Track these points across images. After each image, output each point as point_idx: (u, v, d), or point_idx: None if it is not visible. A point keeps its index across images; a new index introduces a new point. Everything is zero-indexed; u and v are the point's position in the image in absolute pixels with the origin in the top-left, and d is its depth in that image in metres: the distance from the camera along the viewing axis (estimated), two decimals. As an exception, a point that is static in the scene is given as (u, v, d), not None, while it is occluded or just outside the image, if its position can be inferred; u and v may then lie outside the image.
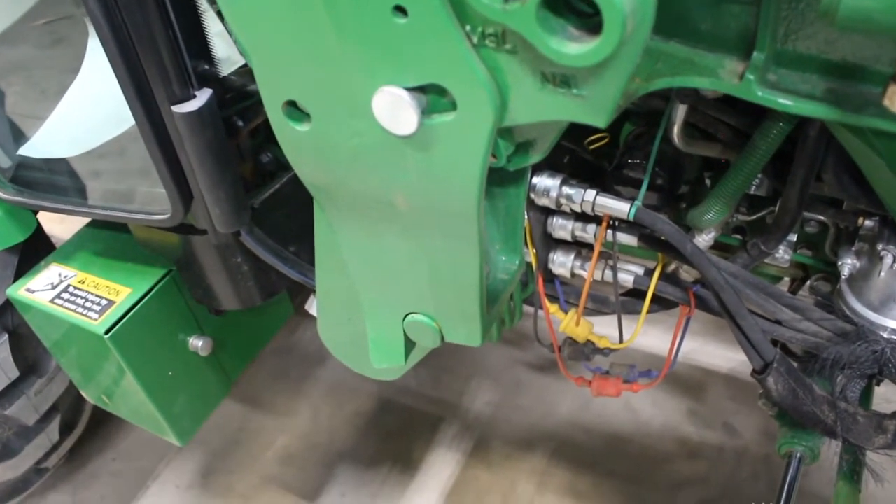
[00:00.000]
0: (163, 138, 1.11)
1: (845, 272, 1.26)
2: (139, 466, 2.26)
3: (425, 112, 0.77)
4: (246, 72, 1.33)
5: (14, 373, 1.67)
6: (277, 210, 1.37)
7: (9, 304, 1.61)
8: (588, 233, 1.35)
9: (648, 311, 1.45)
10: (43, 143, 1.37)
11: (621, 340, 1.48)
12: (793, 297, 1.29)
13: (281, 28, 0.78)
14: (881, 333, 1.24)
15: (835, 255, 1.44)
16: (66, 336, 1.48)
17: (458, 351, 1.97)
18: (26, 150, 1.38)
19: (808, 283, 1.55)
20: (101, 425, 2.31)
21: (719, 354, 2.24)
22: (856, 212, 1.26)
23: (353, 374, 2.41)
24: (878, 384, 1.27)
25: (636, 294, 1.45)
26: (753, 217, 1.40)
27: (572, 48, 0.64)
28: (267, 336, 1.77)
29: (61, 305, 1.44)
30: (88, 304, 1.42)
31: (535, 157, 0.90)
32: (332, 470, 2.18)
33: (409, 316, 1.09)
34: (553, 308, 1.50)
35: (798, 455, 1.49)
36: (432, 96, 0.77)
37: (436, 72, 0.74)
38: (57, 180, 1.38)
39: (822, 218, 1.35)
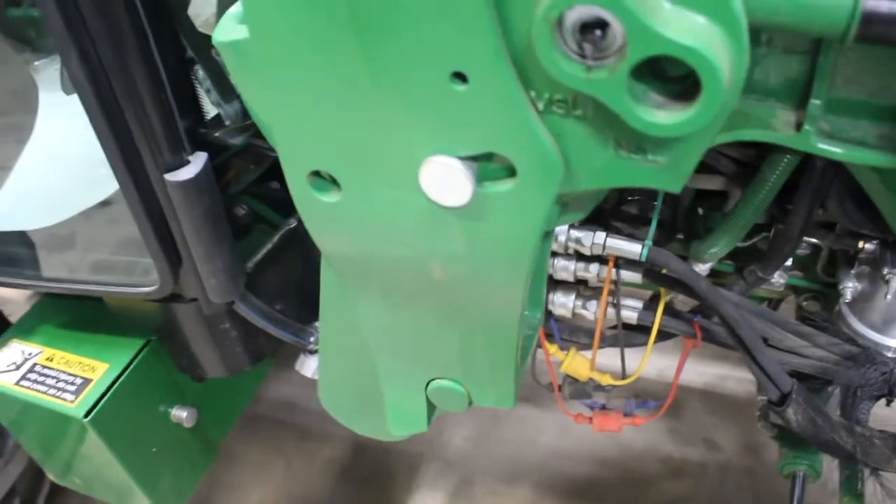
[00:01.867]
0: (152, 208, 1.02)
1: (848, 295, 1.27)
2: (102, 538, 2.11)
3: (477, 181, 0.72)
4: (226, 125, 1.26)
5: (-31, 459, 1.53)
6: (264, 270, 1.29)
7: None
8: (591, 272, 1.32)
9: (642, 344, 1.44)
10: (2, 214, 1.25)
11: (624, 377, 1.45)
12: (797, 323, 1.29)
13: (316, 96, 0.71)
14: (886, 353, 1.25)
15: (827, 276, 1.46)
16: (36, 421, 1.35)
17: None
18: (-14, 223, 1.26)
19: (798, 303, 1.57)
20: (55, 496, 2.14)
21: (693, 370, 2.25)
22: (854, 235, 1.27)
23: (324, 419, 2.32)
24: (888, 404, 1.28)
25: (633, 326, 1.43)
26: (748, 243, 1.40)
27: (662, 117, 0.60)
28: (248, 395, 1.67)
29: (29, 388, 1.31)
30: (61, 385, 1.30)
31: (579, 216, 0.86)
32: (311, 523, 2.09)
33: (434, 382, 1.03)
34: (553, 349, 1.46)
35: (801, 475, 1.50)
36: (483, 163, 0.73)
37: (496, 141, 0.69)
38: (18, 253, 1.26)
39: (817, 241, 1.36)
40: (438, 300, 0.89)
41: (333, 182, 0.80)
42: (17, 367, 1.35)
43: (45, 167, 1.30)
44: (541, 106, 0.66)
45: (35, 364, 1.35)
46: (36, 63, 1.53)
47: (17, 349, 1.38)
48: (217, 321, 1.28)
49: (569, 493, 2.05)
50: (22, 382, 1.32)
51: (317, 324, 1.37)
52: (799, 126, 0.77)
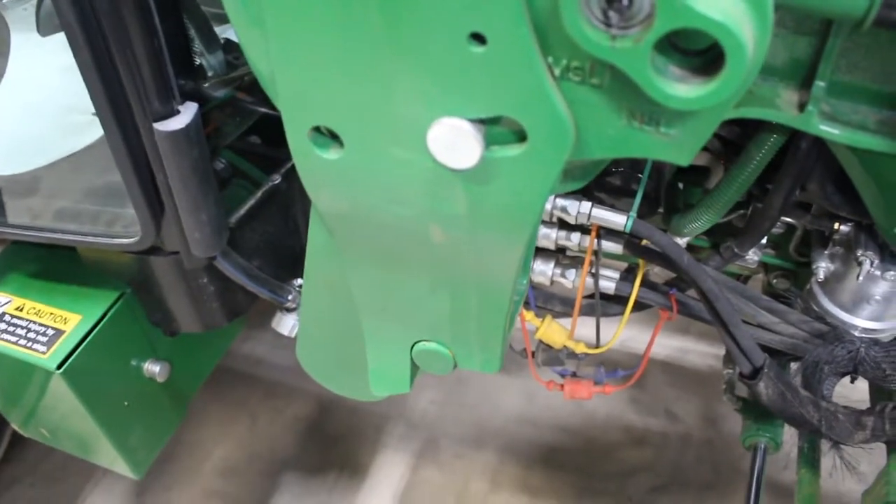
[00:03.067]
0: (138, 157, 0.99)
1: (821, 275, 1.31)
2: (63, 490, 2.09)
3: (486, 144, 0.72)
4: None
5: (-71, 411, 1.49)
6: (244, 226, 1.27)
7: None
8: (572, 241, 1.33)
9: (615, 314, 1.47)
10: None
11: (598, 345, 1.47)
12: (770, 300, 1.33)
13: (326, 50, 0.70)
14: (853, 332, 1.29)
15: (799, 255, 1.49)
16: (5, 371, 1.31)
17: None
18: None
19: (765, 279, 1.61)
20: (13, 447, 2.11)
21: (656, 342, 2.28)
22: (831, 217, 1.30)
23: (290, 378, 2.33)
24: (852, 381, 1.33)
25: (608, 296, 1.45)
26: (724, 220, 1.43)
27: (682, 90, 0.60)
28: (220, 351, 1.65)
29: (-2, 337, 1.28)
30: (32, 335, 1.26)
31: (578, 185, 0.86)
32: (276, 480, 2.09)
33: (420, 344, 1.03)
34: (528, 315, 1.48)
35: (763, 446, 1.55)
36: (491, 127, 0.72)
37: (509, 105, 0.68)
38: (-11, 198, 1.22)
39: (792, 221, 1.39)
40: (434, 262, 0.89)
41: (335, 138, 0.78)
42: (-15, 316, 1.31)
43: (18, 112, 1.26)
44: (557, 72, 0.66)
45: (4, 313, 1.31)
46: (4, 0, 1.46)
47: (-15, 297, 1.34)
48: (195, 276, 1.25)
49: (532, 458, 2.09)
50: (-10, 332, 1.29)
51: (295, 282, 1.36)
52: (802, 107, 0.78)
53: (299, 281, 1.37)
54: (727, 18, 0.55)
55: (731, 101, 0.61)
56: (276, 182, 1.26)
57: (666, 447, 2.09)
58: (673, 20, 0.56)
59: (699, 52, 0.61)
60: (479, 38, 0.64)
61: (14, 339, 1.27)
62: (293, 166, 1.32)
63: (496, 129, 0.72)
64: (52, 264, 1.38)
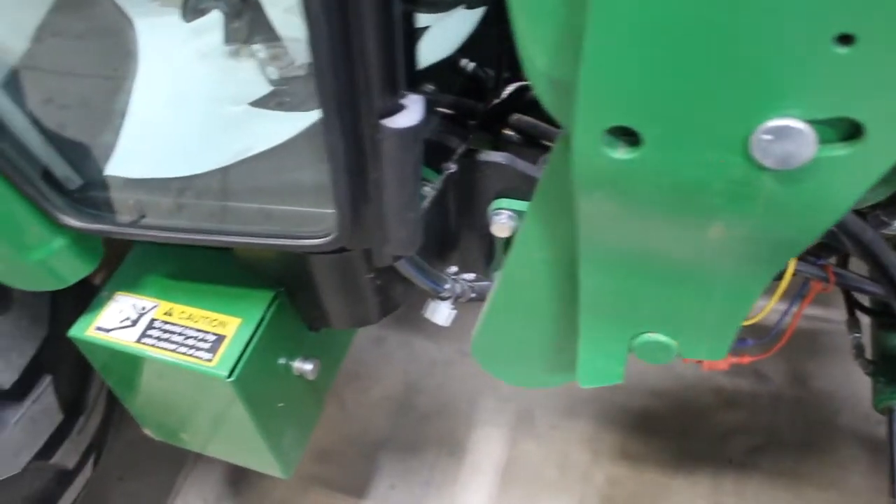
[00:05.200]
0: (351, 156, 0.93)
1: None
2: (155, 483, 2.05)
3: (816, 144, 0.69)
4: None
5: (59, 417, 1.43)
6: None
7: (49, 342, 1.37)
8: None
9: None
10: (132, 161, 1.13)
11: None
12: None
13: (655, 44, 0.65)
14: None
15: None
16: (159, 380, 1.26)
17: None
18: (116, 169, 1.13)
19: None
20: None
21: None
22: None
23: (367, 359, 2.29)
24: None
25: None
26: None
27: None
28: (350, 340, 1.61)
29: (154, 345, 1.21)
30: (190, 342, 1.21)
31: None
32: (373, 461, 2.08)
33: (644, 335, 1.01)
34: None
35: (897, 409, 1.57)
36: (815, 125, 0.69)
37: (859, 105, 0.65)
38: (144, 201, 1.16)
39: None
40: (695, 258, 0.86)
41: (626, 137, 0.74)
42: (134, 323, 1.25)
43: (165, 106, 1.18)
44: (916, 67, 0.63)
45: (153, 319, 1.25)
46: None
47: (128, 303, 1.28)
48: (362, 272, 1.21)
49: (628, 425, 2.09)
50: (144, 340, 1.23)
51: (449, 269, 1.33)
52: None
53: (453, 268, 1.33)
54: None
55: None
56: (452, 171, 1.20)
57: (758, 408, 2.11)
58: None
59: None
60: (846, 38, 0.60)
61: (171, 346, 1.21)
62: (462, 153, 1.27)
63: (820, 127, 0.68)
64: (189, 264, 1.32)
